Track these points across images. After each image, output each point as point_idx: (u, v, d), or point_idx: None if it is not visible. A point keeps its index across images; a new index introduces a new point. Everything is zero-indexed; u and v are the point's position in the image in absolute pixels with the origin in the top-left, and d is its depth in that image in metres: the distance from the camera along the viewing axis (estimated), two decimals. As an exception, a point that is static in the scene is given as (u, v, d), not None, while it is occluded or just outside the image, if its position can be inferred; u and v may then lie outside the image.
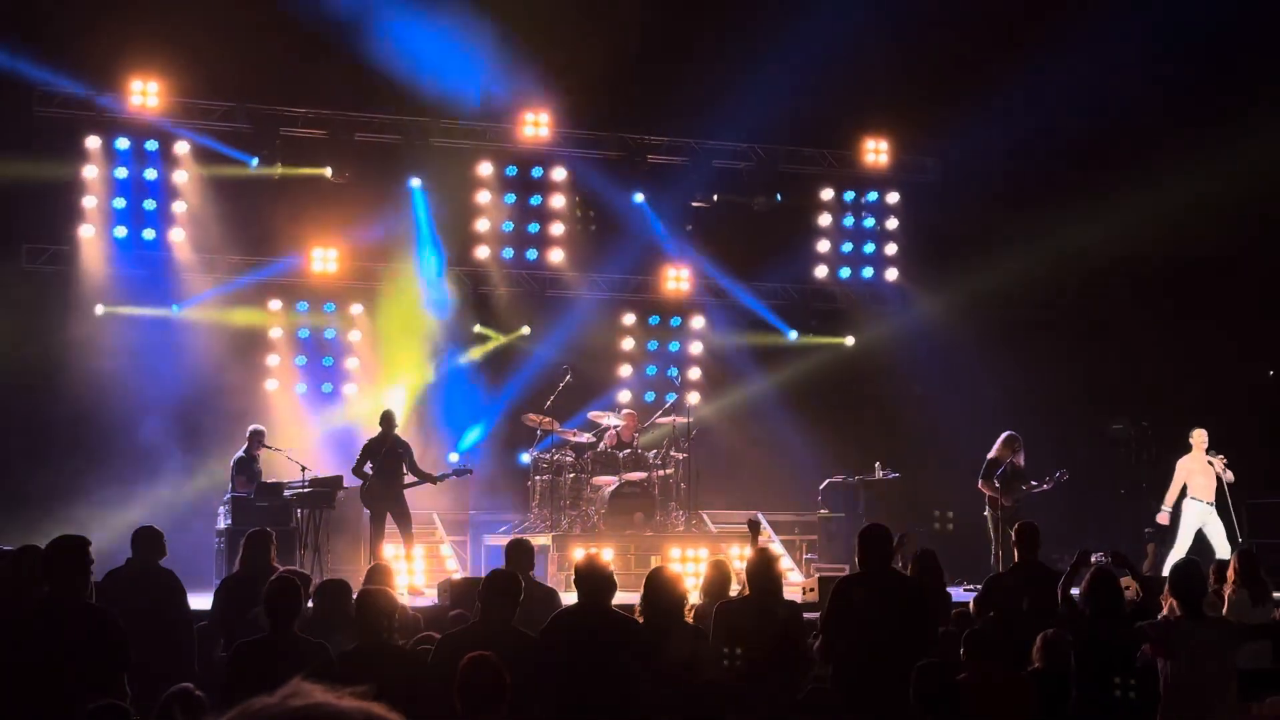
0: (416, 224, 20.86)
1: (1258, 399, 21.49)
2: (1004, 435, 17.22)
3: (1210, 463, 17.50)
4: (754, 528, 13.30)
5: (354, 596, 8.92)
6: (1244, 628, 9.88)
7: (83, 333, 19.46)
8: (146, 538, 10.49)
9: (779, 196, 22.11)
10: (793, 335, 22.90)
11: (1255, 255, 21.13)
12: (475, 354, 21.35)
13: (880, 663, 8.49)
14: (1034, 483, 17.09)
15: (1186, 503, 17.60)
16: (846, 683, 8.55)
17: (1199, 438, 17.68)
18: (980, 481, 17.09)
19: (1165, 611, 11.09)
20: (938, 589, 10.80)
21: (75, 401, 19.04)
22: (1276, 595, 11.77)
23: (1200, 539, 17.37)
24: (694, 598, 10.96)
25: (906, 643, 8.62)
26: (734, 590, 10.83)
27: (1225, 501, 17.55)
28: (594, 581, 8.39)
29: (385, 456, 16.63)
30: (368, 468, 16.63)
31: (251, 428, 17.74)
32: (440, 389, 20.73)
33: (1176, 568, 9.47)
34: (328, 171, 20.32)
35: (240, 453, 17.45)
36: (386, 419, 16.90)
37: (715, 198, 22.11)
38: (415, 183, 20.80)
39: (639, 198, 21.96)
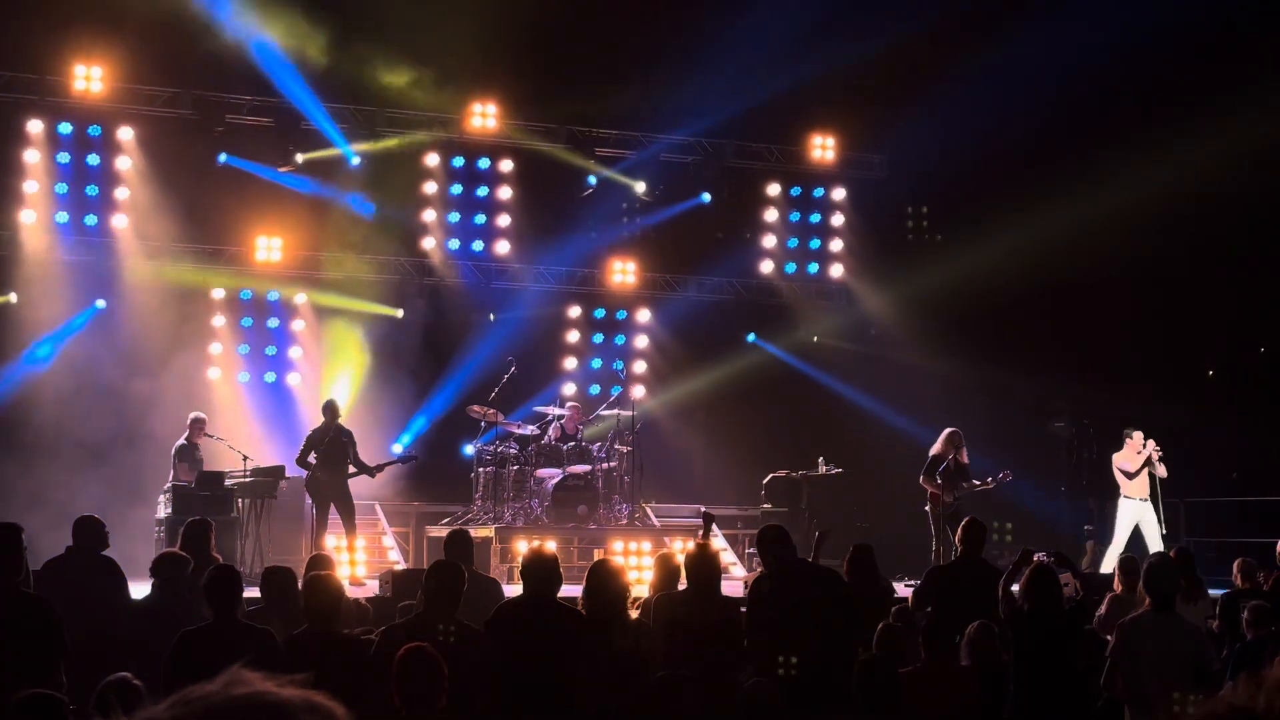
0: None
1: (1197, 399, 21.69)
2: (946, 432, 17.31)
3: (1149, 458, 17.63)
4: (707, 520, 13.32)
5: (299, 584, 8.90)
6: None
7: (22, 318, 19.26)
8: (87, 526, 10.40)
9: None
10: (750, 337, 23.00)
11: (1196, 258, 21.30)
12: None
13: (802, 655, 8.54)
14: (976, 481, 17.19)
15: (1121, 501, 17.77)
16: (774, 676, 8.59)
17: (1137, 438, 17.82)
18: (922, 477, 17.17)
19: (1103, 610, 11.22)
20: (871, 583, 10.85)
21: (14, 389, 18.85)
22: (1212, 593, 11.89)
23: (1136, 536, 17.54)
24: (640, 591, 10.96)
25: (826, 633, 8.70)
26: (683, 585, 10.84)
27: (1156, 498, 17.72)
28: (540, 574, 8.38)
29: (329, 446, 16.55)
30: (311, 458, 16.54)
31: (192, 415, 17.61)
32: (383, 379, 20.62)
33: (1151, 563, 9.54)
34: (299, 159, 20.19)
35: (181, 440, 17.31)
36: (330, 408, 16.82)
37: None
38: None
39: (592, 179, 21.91)
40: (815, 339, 23.16)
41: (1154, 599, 8.94)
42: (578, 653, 8.11)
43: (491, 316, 21.63)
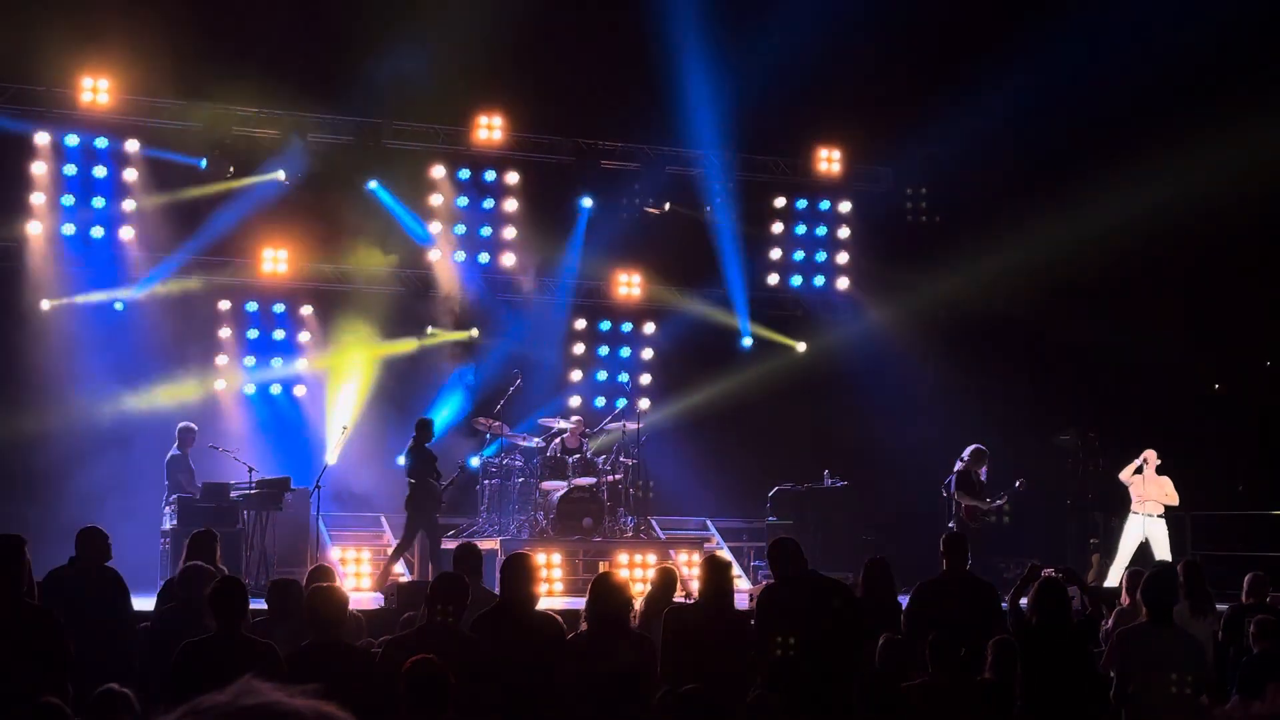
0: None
1: (1205, 412, 21.66)
2: (972, 448, 17.24)
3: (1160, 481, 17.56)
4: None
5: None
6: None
7: (28, 331, 19.27)
8: (91, 538, 10.39)
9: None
10: (747, 342, 22.92)
11: (1205, 268, 21.29)
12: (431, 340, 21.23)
13: (809, 666, 8.54)
14: (989, 498, 17.15)
15: (1131, 516, 17.70)
16: (780, 688, 8.59)
17: (1151, 458, 17.69)
18: (962, 496, 17.05)
19: (1109, 623, 11.20)
20: (885, 599, 10.81)
21: (19, 399, 18.85)
22: (1220, 607, 11.86)
23: (1144, 550, 17.45)
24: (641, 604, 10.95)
25: (833, 645, 8.70)
26: (678, 598, 10.84)
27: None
28: (518, 577, 8.50)
29: (431, 463, 16.81)
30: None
31: (181, 425, 17.58)
32: (389, 392, 20.61)
33: (1151, 574, 9.53)
34: (281, 175, 20.19)
35: (173, 451, 17.29)
36: (425, 426, 16.98)
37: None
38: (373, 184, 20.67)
39: (587, 202, 21.89)
40: (802, 348, 23.09)
41: (1151, 610, 8.94)
42: (554, 659, 8.18)
43: (474, 333, 21.53)
